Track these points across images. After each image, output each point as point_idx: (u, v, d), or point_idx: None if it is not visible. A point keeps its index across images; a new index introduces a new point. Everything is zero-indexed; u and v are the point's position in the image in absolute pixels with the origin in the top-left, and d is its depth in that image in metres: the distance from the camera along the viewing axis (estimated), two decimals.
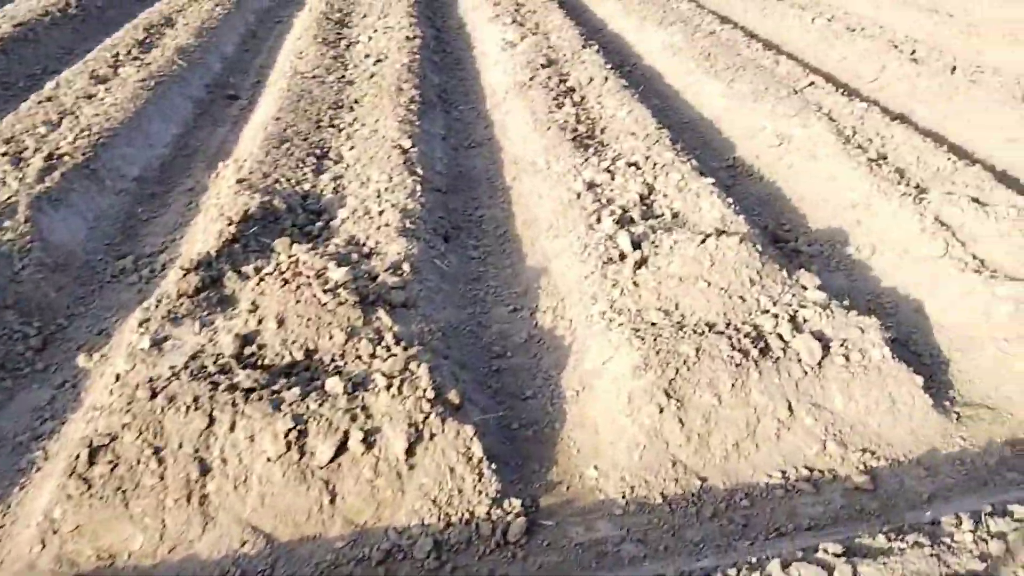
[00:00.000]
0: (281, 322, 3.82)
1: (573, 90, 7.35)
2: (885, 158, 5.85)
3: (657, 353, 3.75)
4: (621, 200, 5.27)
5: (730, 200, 5.15)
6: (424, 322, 4.11)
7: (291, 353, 3.72)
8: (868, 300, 4.67)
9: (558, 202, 5.39)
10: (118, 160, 6.08)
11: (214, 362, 3.65)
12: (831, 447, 3.58)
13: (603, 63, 7.76)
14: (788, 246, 5.16)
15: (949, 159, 5.64)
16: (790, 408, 3.65)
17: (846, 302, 4.18)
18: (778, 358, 3.77)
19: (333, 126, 6.62)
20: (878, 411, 3.73)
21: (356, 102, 7.20)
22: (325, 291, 3.93)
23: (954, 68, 7.53)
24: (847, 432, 3.65)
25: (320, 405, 3.39)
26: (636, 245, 4.72)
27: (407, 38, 8.75)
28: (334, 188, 5.56)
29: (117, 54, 8.11)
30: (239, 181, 5.38)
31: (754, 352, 3.75)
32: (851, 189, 5.45)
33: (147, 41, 8.63)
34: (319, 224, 5.07)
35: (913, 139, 5.97)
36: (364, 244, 4.82)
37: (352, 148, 6.19)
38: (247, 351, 3.74)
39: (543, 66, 7.84)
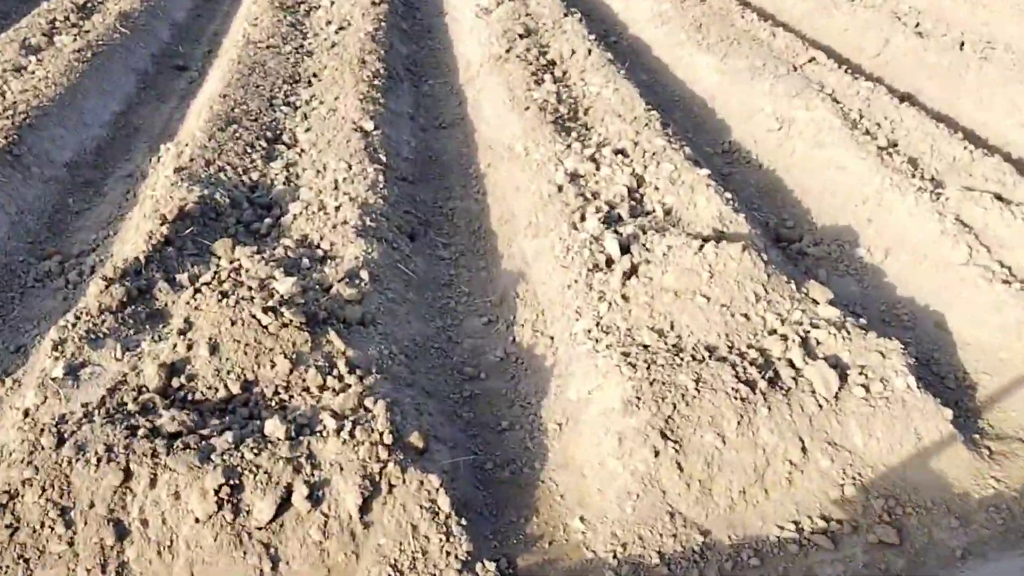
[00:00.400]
0: (215, 348, 3.29)
1: (554, 64, 6.77)
2: (895, 145, 5.38)
3: (651, 384, 3.28)
4: (607, 194, 4.75)
5: (728, 195, 4.65)
6: (384, 343, 3.59)
7: (226, 385, 3.19)
8: (882, 311, 4.23)
9: (537, 196, 4.86)
10: (47, 144, 5.42)
11: (135, 398, 3.12)
12: (850, 492, 3.15)
13: (586, 33, 7.16)
14: (793, 247, 4.69)
15: (965, 148, 5.18)
16: (803, 448, 3.21)
17: (862, 320, 3.72)
18: (789, 389, 3.32)
19: (288, 104, 6.00)
20: (902, 449, 3.30)
21: (315, 76, 6.56)
22: (267, 310, 3.40)
23: (962, 43, 7.03)
24: (868, 474, 3.22)
25: (258, 454, 2.88)
26: (625, 248, 4.22)
27: (373, 2, 8.06)
28: (286, 177, 4.98)
29: (53, 20, 7.35)
30: (177, 170, 4.78)
31: (762, 383, 3.29)
32: (861, 182, 4.98)
33: (87, 5, 7.86)
34: (267, 221, 4.50)
35: (925, 124, 5.49)
36: (318, 245, 4.27)
37: (308, 130, 5.58)
38: (175, 382, 3.21)
39: (521, 36, 7.22)
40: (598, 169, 5.01)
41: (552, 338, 3.87)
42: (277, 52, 6.83)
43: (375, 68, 6.49)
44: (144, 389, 3.16)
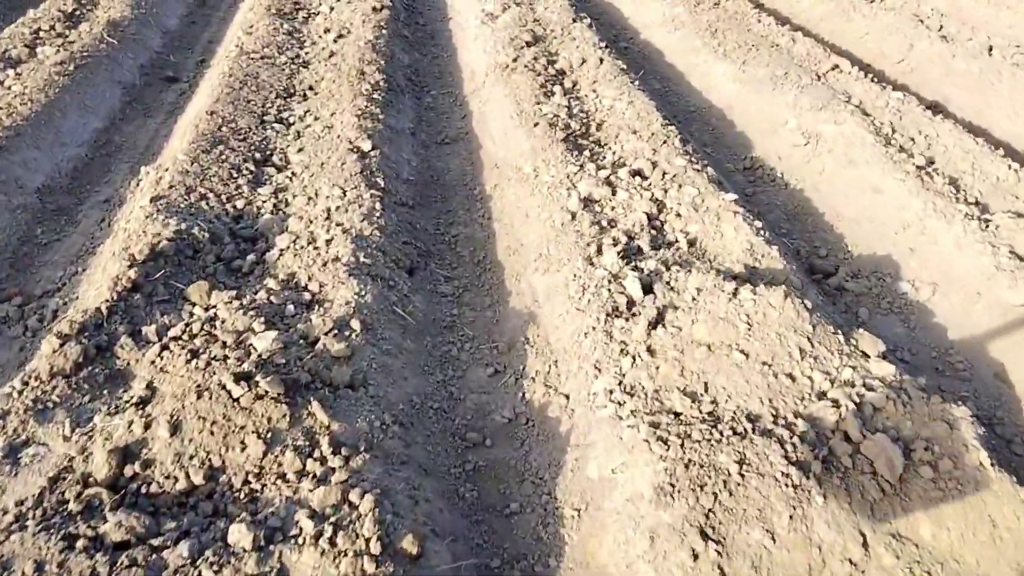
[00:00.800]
0: (177, 427, 2.70)
1: (564, 73, 6.13)
2: (933, 163, 4.74)
3: (687, 467, 2.68)
4: (625, 222, 4.14)
5: (758, 224, 4.03)
6: (376, 409, 3.00)
7: (187, 474, 2.60)
8: (934, 357, 3.62)
9: (549, 224, 4.25)
10: (18, 168, 4.82)
11: (78, 493, 2.53)
12: None
13: (597, 41, 6.51)
14: (830, 282, 4.07)
15: (1010, 167, 4.55)
16: (864, 543, 2.61)
17: (921, 379, 3.11)
18: (846, 470, 2.72)
19: (280, 121, 5.38)
20: (975, 540, 2.69)
21: (310, 88, 5.93)
22: (240, 378, 2.80)
23: (991, 48, 6.37)
24: (938, 572, 2.62)
25: (218, 571, 2.30)
26: (647, 288, 3.62)
27: (374, 8, 7.41)
28: (274, 204, 4.37)
29: (38, 30, 6.73)
30: (154, 200, 4.17)
31: (816, 465, 2.69)
32: (900, 206, 4.35)
33: (75, 13, 7.23)
34: (251, 258, 3.89)
35: (964, 140, 4.85)
36: (305, 287, 3.67)
37: (301, 150, 4.97)
38: (128, 470, 2.62)
39: (528, 44, 6.58)
40: (614, 193, 4.40)
41: (567, 397, 3.27)
42: (272, 63, 6.20)
43: (374, 80, 5.86)
44: (91, 480, 2.57)
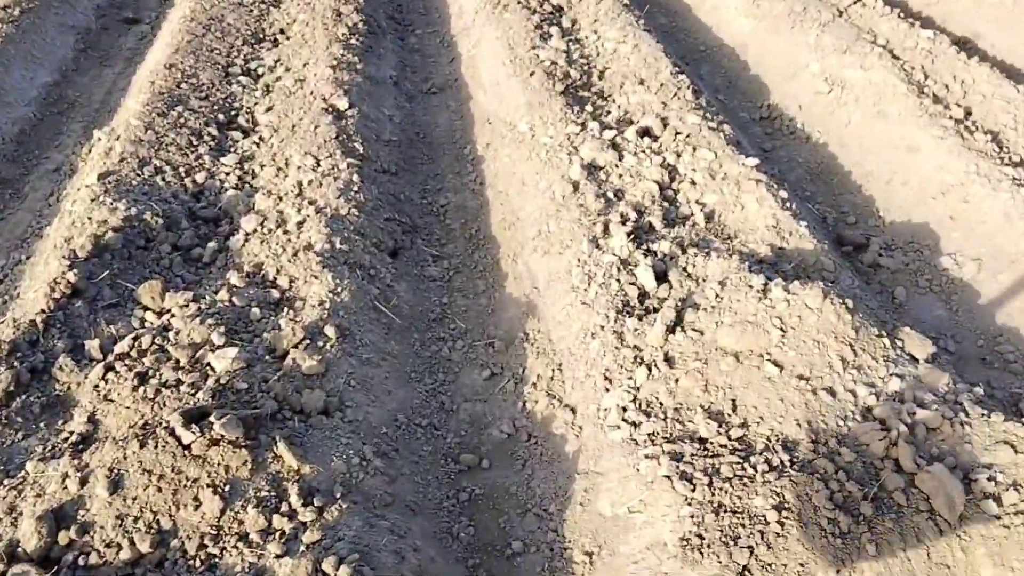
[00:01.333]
0: (117, 484, 2.21)
1: (561, 10, 5.35)
2: (970, 115, 4.11)
3: (717, 514, 2.22)
4: (634, 193, 3.55)
5: (784, 195, 3.45)
6: (354, 440, 2.50)
7: (132, 541, 2.13)
8: (980, 346, 3.12)
9: (548, 195, 3.65)
10: None
11: (1, 574, 2.06)
12: None
13: None
14: (862, 259, 3.52)
15: None
16: None
17: (979, 389, 2.61)
18: (900, 509, 2.26)
19: (247, 73, 4.66)
20: None
21: (281, 32, 5.17)
22: (191, 420, 2.29)
23: None
24: None
25: None
26: (661, 276, 3.08)
27: None
28: (239, 177, 3.75)
29: None
30: (102, 176, 3.55)
31: (866, 506, 2.23)
32: (938, 166, 3.75)
33: None
34: (212, 245, 3.31)
35: (1003, 87, 4.18)
36: (273, 282, 3.12)
37: (270, 109, 4.29)
38: (63, 536, 2.14)
39: None
40: (621, 158, 3.78)
41: (573, 411, 2.78)
42: (238, 3, 5.40)
43: (352, 22, 5.10)
44: (18, 553, 2.10)
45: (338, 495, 2.27)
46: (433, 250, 3.68)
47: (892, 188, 3.86)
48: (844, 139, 4.24)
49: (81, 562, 2.08)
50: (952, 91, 4.30)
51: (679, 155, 3.75)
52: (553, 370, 2.94)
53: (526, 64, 4.59)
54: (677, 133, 3.88)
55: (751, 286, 2.82)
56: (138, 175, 3.59)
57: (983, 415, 2.48)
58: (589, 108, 4.21)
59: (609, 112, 4.20)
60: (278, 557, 2.07)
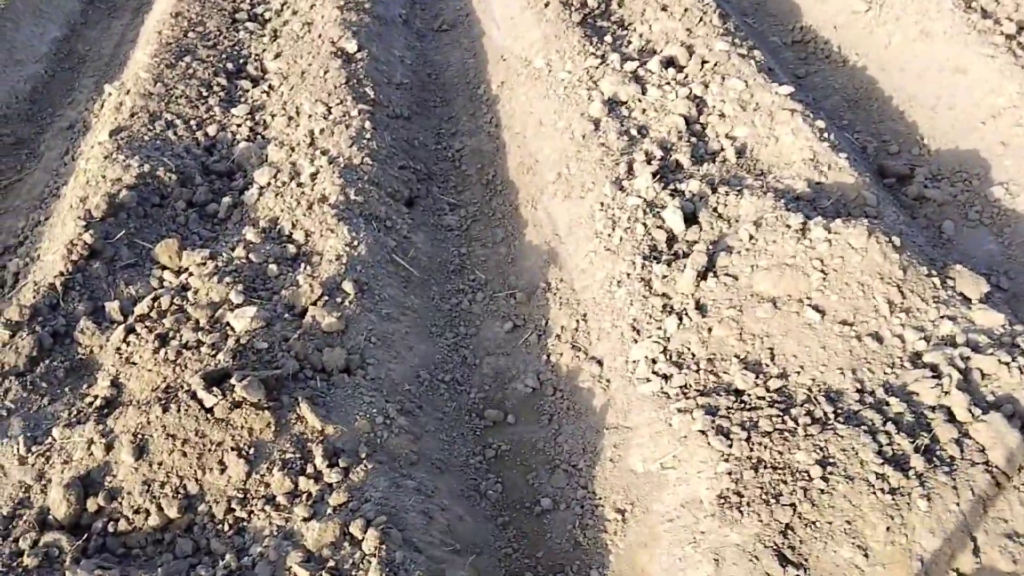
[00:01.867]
0: (142, 450, 2.11)
1: None
2: (1023, 30, 3.70)
3: (756, 470, 2.06)
4: (659, 129, 3.28)
5: (820, 125, 3.15)
6: (377, 397, 2.37)
7: (160, 507, 2.04)
8: None
9: (568, 135, 3.39)
10: None
11: (34, 541, 1.99)
12: None
13: None
14: (907, 191, 3.23)
15: None
16: (976, 549, 2.02)
17: None
18: (952, 460, 2.07)
19: (254, 18, 4.39)
20: None
21: None
22: (212, 383, 2.16)
23: None
24: None
25: None
26: (691, 218, 2.85)
27: None
28: (251, 128, 3.55)
29: None
30: (114, 132, 3.37)
31: (917, 460, 2.05)
32: (989, 89, 3.39)
33: None
34: (226, 200, 3.14)
35: None
36: (290, 236, 2.95)
37: (278, 56, 4.04)
38: (92, 503, 2.06)
39: None
40: (644, 92, 3.49)
41: (600, 363, 2.60)
42: None
43: None
44: (49, 521, 2.02)
45: (363, 455, 2.16)
46: (450, 198, 3.48)
47: (937, 114, 3.51)
48: (884, 62, 3.86)
49: (111, 528, 2.01)
50: (1003, 3, 3.87)
51: (707, 85, 3.44)
52: (578, 321, 2.76)
53: None
54: (704, 62, 3.56)
55: (788, 225, 2.58)
56: (149, 130, 3.40)
57: None
58: (609, 39, 3.89)
59: (630, 42, 3.87)
60: (305, 520, 1.98)
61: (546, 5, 4.14)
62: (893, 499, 1.98)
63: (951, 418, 2.14)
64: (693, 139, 3.24)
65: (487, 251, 3.21)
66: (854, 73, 3.90)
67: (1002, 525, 2.03)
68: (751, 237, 2.63)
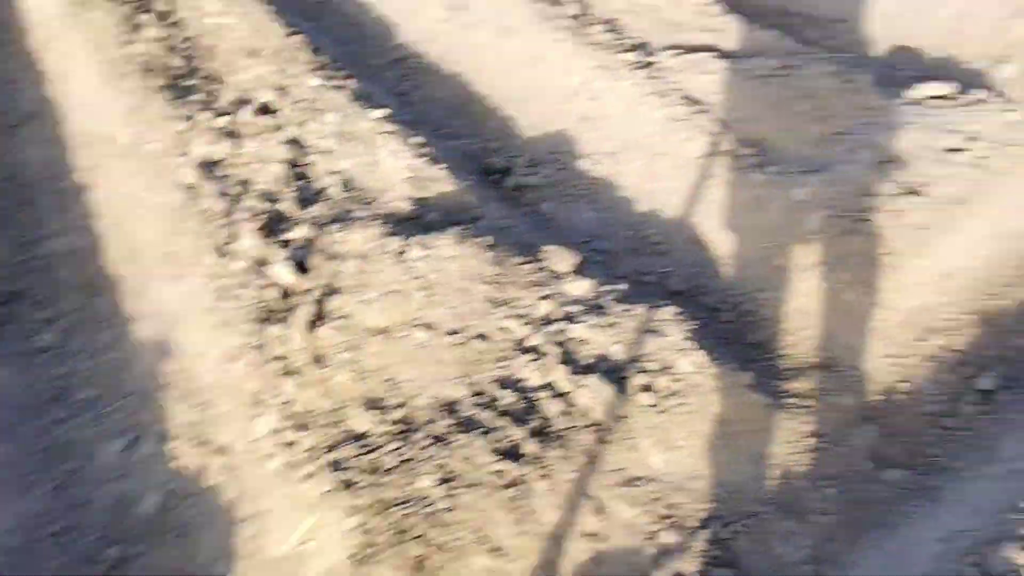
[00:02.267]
0: None
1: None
2: (587, 7, 4.23)
3: (384, 513, 2.03)
4: (262, 181, 3.19)
5: (418, 140, 3.28)
6: None
7: None
8: (628, 237, 3.20)
9: (165, 211, 3.16)
10: None
11: None
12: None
13: None
14: (508, 183, 3.48)
15: None
16: (602, 507, 2.19)
17: (622, 285, 2.66)
18: (563, 433, 2.22)
19: None
20: (711, 454, 2.40)
21: None
22: None
23: None
24: (674, 499, 2.30)
25: None
26: (301, 265, 2.79)
27: None
28: None
29: None
30: None
31: (530, 444, 2.16)
32: (564, 71, 3.80)
33: None
34: None
35: None
36: None
37: None
38: None
39: None
40: (242, 146, 3.38)
41: (227, 452, 2.42)
42: None
43: None
44: None
45: None
46: (43, 313, 3.05)
47: (528, 105, 3.86)
48: (478, 64, 4.17)
49: None
50: None
51: (303, 124, 3.42)
52: (200, 412, 2.55)
53: (119, 65, 3.94)
54: (297, 102, 3.55)
55: (387, 251, 2.63)
56: None
57: (626, 311, 2.53)
58: (200, 96, 3.72)
59: (223, 97, 3.73)
60: None
61: (121, 77, 3.85)
62: (515, 491, 2.08)
63: (557, 393, 2.32)
64: (299, 182, 3.19)
65: (92, 363, 2.85)
66: (453, 80, 4.16)
67: (620, 474, 2.23)
68: (360, 271, 2.63)
